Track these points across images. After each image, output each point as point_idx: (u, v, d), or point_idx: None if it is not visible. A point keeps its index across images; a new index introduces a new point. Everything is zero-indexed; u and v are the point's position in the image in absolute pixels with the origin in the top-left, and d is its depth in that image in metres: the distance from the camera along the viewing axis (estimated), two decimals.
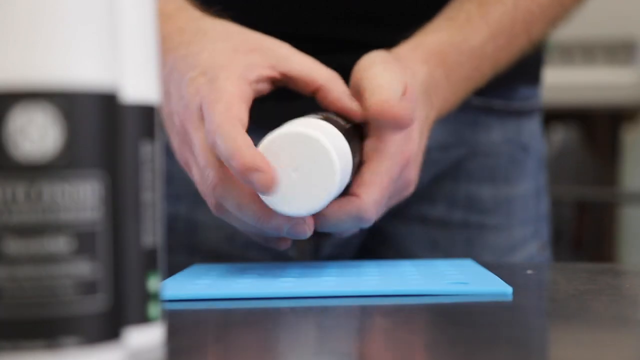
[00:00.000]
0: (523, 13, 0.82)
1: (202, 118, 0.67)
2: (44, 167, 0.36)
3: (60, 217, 0.36)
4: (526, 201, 0.95)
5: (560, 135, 2.91)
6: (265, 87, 0.71)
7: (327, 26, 0.86)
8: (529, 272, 0.74)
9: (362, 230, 0.90)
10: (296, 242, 0.89)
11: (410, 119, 0.68)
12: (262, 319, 0.55)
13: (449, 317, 0.55)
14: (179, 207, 0.89)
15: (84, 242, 0.37)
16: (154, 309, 0.43)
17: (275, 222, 0.65)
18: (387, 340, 0.48)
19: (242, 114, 0.66)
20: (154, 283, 0.43)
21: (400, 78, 0.71)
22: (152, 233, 0.43)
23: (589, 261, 2.75)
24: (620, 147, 2.91)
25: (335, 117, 0.69)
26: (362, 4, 0.87)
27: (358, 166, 0.70)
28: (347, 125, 0.69)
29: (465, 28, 0.79)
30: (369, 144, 0.71)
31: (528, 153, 0.95)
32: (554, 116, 2.74)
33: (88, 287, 0.37)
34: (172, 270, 0.70)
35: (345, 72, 0.74)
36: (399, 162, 0.70)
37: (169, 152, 0.73)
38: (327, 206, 0.66)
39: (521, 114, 0.95)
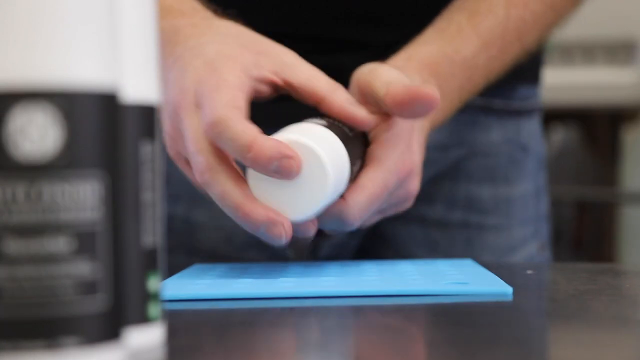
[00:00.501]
0: (515, 22, 0.82)
1: (197, 104, 0.67)
2: (44, 167, 0.36)
3: (60, 217, 0.36)
4: (526, 201, 0.95)
5: (560, 135, 2.91)
6: (265, 90, 0.70)
7: (327, 26, 0.86)
8: (529, 272, 0.74)
9: (360, 231, 0.90)
10: (293, 243, 0.89)
11: (437, 97, 0.67)
12: (262, 319, 0.55)
13: (449, 317, 0.55)
14: (176, 207, 0.89)
15: (84, 242, 0.37)
16: (154, 309, 0.43)
17: (253, 219, 0.64)
18: (387, 340, 0.48)
19: (245, 106, 0.66)
20: (154, 283, 0.43)
21: (405, 77, 0.71)
22: (152, 233, 0.43)
23: (589, 261, 2.75)
24: (620, 147, 2.91)
25: (339, 124, 0.69)
26: (362, 4, 0.87)
27: (359, 172, 0.70)
28: (351, 133, 0.69)
29: (457, 39, 0.79)
30: (371, 151, 0.71)
31: (527, 153, 0.95)
32: (554, 116, 2.74)
33: (88, 287, 0.37)
34: (170, 270, 0.70)
35: (345, 72, 0.74)
36: (397, 172, 0.70)
37: (166, 153, 0.73)
38: None
39: (521, 113, 0.95)
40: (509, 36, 0.82)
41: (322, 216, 0.67)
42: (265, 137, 0.63)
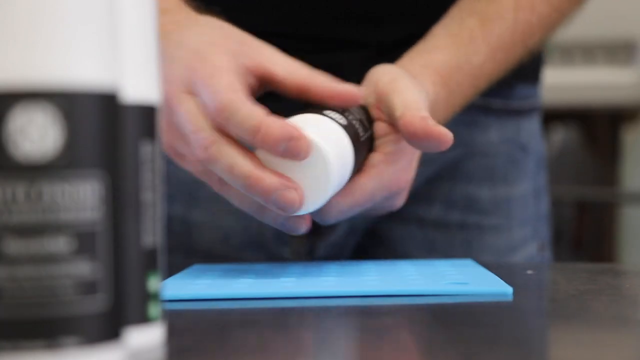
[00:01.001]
0: (523, 25, 0.82)
1: (189, 92, 0.66)
2: (44, 167, 0.36)
3: (60, 217, 0.36)
4: (525, 201, 0.95)
5: (560, 135, 2.91)
6: (252, 82, 0.69)
7: (327, 26, 0.86)
8: (529, 272, 0.74)
9: (358, 231, 0.90)
10: (291, 243, 0.89)
11: (450, 139, 0.67)
12: (262, 319, 0.55)
13: (449, 317, 0.55)
14: (173, 207, 0.89)
15: (84, 242, 0.37)
16: (154, 309, 0.43)
17: (265, 185, 0.63)
18: (387, 340, 0.48)
19: (243, 88, 0.66)
20: (154, 283, 0.43)
21: (425, 97, 0.71)
22: (152, 233, 0.43)
23: (589, 261, 2.75)
24: (620, 147, 2.91)
25: (355, 122, 0.68)
26: (362, 4, 0.87)
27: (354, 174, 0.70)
28: (363, 135, 0.69)
29: (468, 47, 0.80)
30: (372, 158, 0.71)
31: (527, 153, 0.95)
32: (554, 116, 2.74)
33: (88, 287, 0.37)
34: (168, 271, 0.70)
35: (344, 71, 0.74)
36: (390, 187, 0.71)
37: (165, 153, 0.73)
38: None
39: (520, 113, 0.95)
40: (516, 40, 0.82)
41: None
42: (272, 118, 0.62)
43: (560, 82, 2.64)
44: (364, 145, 0.69)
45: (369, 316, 0.56)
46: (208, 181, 0.69)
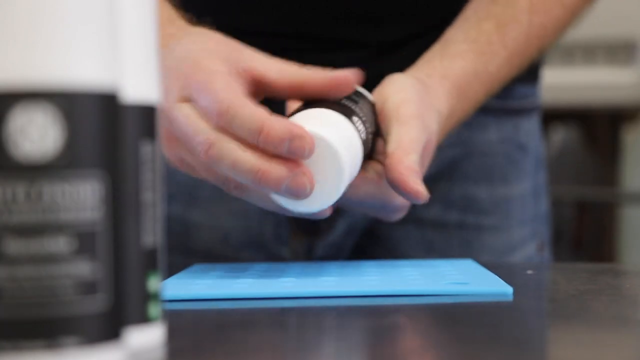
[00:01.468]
0: (537, 29, 0.83)
1: (185, 99, 0.66)
2: (44, 167, 0.36)
3: (60, 217, 0.36)
4: (524, 201, 0.95)
5: (560, 135, 2.91)
6: (247, 84, 0.69)
7: (327, 26, 0.86)
8: (529, 272, 0.74)
9: (356, 231, 0.90)
10: (290, 243, 0.89)
11: (424, 197, 0.68)
12: (262, 319, 0.55)
13: (449, 317, 0.55)
14: (173, 207, 0.89)
15: (84, 242, 0.37)
16: (154, 309, 0.43)
17: (273, 177, 0.62)
18: (387, 340, 0.48)
19: (242, 90, 0.65)
20: (154, 283, 0.43)
21: (424, 138, 0.70)
22: (152, 233, 0.43)
23: (589, 261, 2.75)
24: (620, 147, 2.91)
25: (367, 124, 0.68)
26: (362, 4, 0.87)
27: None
28: (372, 135, 0.69)
29: (486, 54, 0.80)
30: (375, 166, 0.71)
31: (526, 152, 0.95)
32: (554, 116, 2.74)
33: (88, 287, 0.37)
34: (167, 271, 0.70)
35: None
36: (383, 199, 0.71)
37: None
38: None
39: (519, 112, 0.95)
40: (531, 44, 0.83)
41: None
42: (274, 118, 0.62)
43: (560, 82, 2.64)
44: (370, 135, 0.69)
45: (369, 316, 0.56)
46: (226, 188, 0.67)
